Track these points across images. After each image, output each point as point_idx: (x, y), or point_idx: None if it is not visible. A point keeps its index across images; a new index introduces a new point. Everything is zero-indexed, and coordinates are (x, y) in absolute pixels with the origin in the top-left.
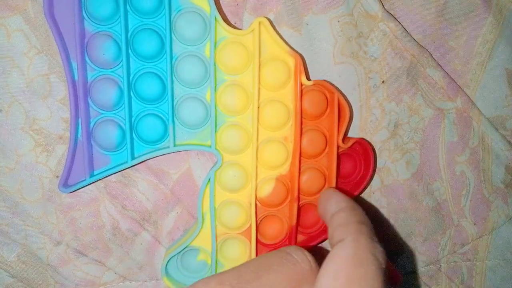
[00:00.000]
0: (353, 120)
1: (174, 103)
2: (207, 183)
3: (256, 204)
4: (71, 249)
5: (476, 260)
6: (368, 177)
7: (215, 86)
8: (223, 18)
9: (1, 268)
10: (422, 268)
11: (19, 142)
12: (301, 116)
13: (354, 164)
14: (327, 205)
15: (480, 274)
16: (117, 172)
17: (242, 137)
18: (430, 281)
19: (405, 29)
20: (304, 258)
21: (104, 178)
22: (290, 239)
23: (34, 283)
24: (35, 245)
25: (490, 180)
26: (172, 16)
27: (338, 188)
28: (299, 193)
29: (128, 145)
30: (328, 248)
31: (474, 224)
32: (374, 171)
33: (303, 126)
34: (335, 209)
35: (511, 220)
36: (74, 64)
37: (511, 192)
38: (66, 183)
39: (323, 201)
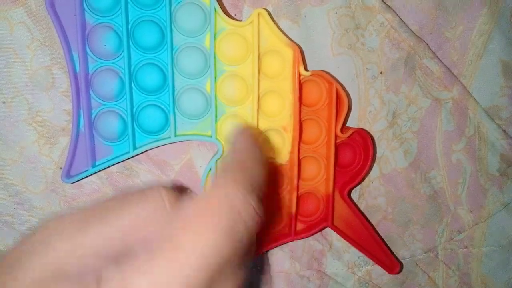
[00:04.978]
0: (352, 110)
1: (175, 93)
2: (209, 172)
3: None
4: None
5: (472, 247)
6: (368, 166)
7: (215, 77)
8: (223, 10)
9: None
10: (419, 255)
11: (23, 134)
12: (300, 107)
13: (354, 153)
14: (230, 140)
15: (476, 260)
16: (119, 163)
17: None
18: (427, 268)
19: (402, 20)
20: (156, 196)
21: (106, 169)
22: (290, 227)
23: None
24: None
25: (485, 169)
26: (172, 8)
27: (337, 178)
28: (298, 182)
29: (130, 136)
30: (328, 236)
31: (470, 211)
32: (373, 160)
33: (301, 116)
34: (230, 148)
35: (506, 207)
36: (75, 56)
37: (506, 180)
38: (69, 174)
39: (231, 136)
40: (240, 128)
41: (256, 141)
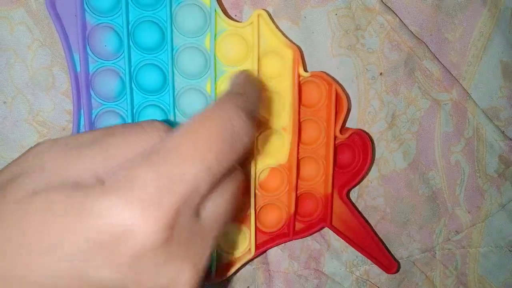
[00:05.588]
0: (352, 111)
1: (175, 94)
2: None
3: (255, 193)
4: None
5: (469, 247)
6: (366, 167)
7: (215, 78)
8: (223, 11)
9: None
10: (417, 255)
11: (23, 134)
12: (299, 107)
13: (353, 154)
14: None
15: (473, 261)
16: None
17: None
18: (425, 268)
19: (402, 21)
20: (154, 129)
21: None
22: (289, 227)
23: None
24: None
25: (484, 170)
26: (173, 8)
27: (336, 178)
28: (297, 182)
29: None
30: (327, 235)
31: (468, 212)
32: (372, 161)
33: (301, 117)
34: (230, 82)
35: (504, 208)
36: (76, 56)
37: (504, 181)
38: None
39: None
40: (239, 71)
41: (253, 78)
